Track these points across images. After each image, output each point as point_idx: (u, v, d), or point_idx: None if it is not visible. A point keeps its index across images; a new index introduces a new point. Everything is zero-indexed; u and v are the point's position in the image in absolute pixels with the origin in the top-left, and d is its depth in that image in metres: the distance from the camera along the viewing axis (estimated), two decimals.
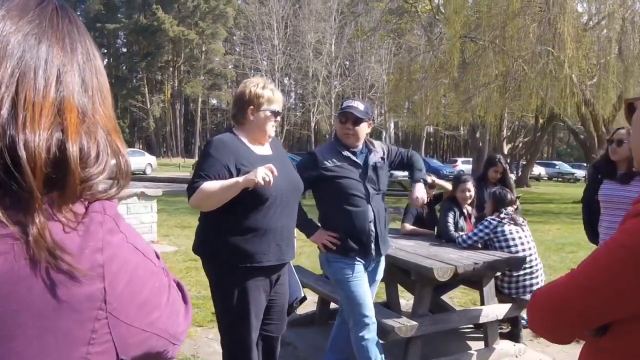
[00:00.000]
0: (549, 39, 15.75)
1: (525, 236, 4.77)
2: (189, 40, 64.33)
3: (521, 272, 4.70)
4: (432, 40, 23.95)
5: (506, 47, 17.17)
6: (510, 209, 4.85)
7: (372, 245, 3.62)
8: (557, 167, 46.54)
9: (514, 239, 4.68)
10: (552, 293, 1.23)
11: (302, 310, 5.31)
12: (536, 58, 16.17)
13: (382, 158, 3.78)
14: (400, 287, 5.40)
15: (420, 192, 3.71)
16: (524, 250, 4.67)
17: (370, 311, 3.61)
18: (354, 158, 3.64)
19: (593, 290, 1.13)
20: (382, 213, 3.69)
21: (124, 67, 71.30)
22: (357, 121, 3.60)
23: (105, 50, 74.42)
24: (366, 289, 3.63)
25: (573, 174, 44.08)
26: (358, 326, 3.61)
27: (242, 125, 3.08)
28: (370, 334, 3.63)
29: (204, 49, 66.93)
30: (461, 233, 4.91)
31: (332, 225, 3.61)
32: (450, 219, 5.08)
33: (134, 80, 69.57)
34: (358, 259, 3.61)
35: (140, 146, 67.16)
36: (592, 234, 4.17)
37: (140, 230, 9.66)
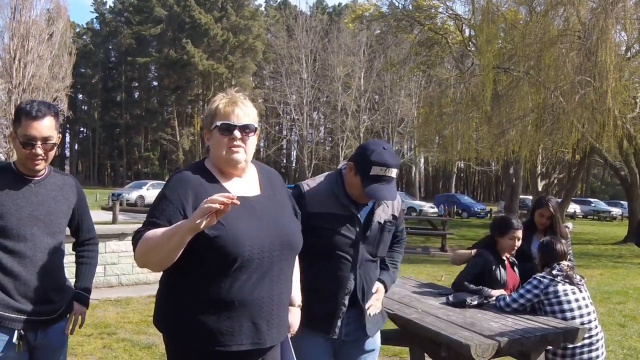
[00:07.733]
0: (589, 68, 14.73)
1: (584, 298, 3.82)
2: (218, 74, 65.23)
3: (578, 344, 3.75)
4: (463, 72, 23.13)
5: (542, 78, 16.23)
6: (565, 263, 3.90)
7: (338, 323, 2.73)
8: (592, 204, 45.08)
9: (569, 302, 3.75)
10: None
11: None
12: (575, 89, 15.14)
13: (395, 217, 2.89)
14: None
15: (376, 302, 2.84)
16: (581, 315, 3.74)
17: None
18: (353, 209, 2.73)
19: None
20: (369, 287, 2.80)
21: (154, 101, 72.44)
22: None
23: (137, 84, 75.80)
24: None
25: (609, 212, 42.72)
26: None
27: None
28: None
29: (233, 83, 67.22)
30: (501, 293, 3.99)
31: (305, 279, 2.66)
32: (472, 275, 4.10)
33: (165, 114, 70.48)
34: (322, 334, 2.74)
35: None
36: None
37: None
